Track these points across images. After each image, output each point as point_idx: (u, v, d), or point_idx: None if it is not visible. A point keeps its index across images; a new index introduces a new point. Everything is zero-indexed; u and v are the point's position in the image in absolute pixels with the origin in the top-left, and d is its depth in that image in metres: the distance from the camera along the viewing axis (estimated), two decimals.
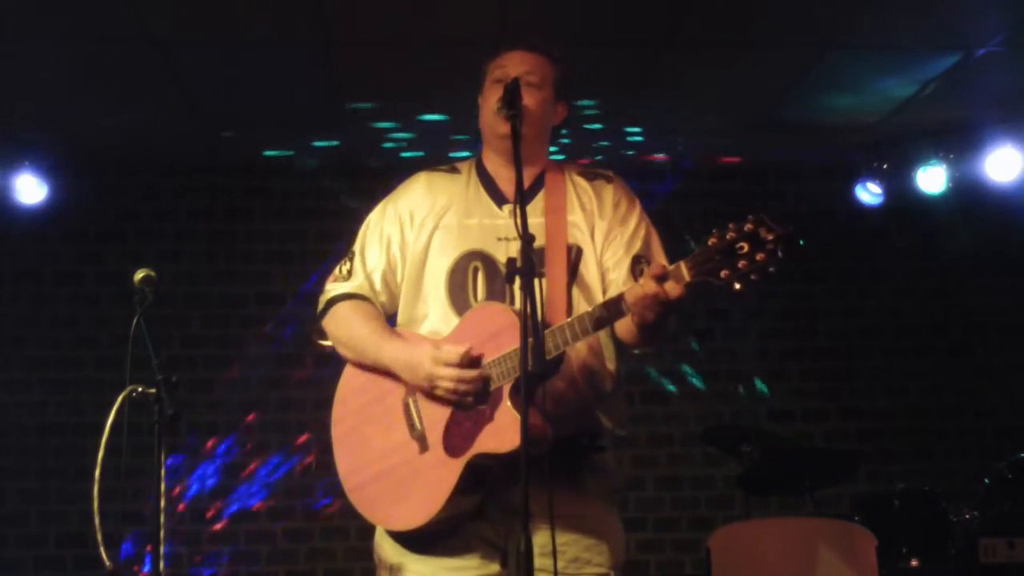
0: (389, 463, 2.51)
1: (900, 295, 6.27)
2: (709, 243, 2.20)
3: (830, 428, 6.08)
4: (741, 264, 2.15)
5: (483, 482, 2.41)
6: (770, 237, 2.13)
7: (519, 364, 2.18)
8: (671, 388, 6.01)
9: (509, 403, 2.33)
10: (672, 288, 2.22)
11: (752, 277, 2.15)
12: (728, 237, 2.17)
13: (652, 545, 5.87)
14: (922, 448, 6.08)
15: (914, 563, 4.34)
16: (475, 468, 2.38)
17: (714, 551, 4.12)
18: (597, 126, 5.51)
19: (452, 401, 2.43)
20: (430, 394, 2.47)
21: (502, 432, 2.31)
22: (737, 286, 2.17)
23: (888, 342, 6.21)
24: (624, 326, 2.44)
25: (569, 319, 2.37)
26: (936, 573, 4.36)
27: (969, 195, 5.75)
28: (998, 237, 6.11)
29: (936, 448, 6.09)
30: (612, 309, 2.33)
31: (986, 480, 4.54)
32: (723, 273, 2.17)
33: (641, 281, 2.27)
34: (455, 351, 2.40)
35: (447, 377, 2.40)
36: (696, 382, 6.02)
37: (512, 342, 2.32)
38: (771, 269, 2.14)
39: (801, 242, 2.17)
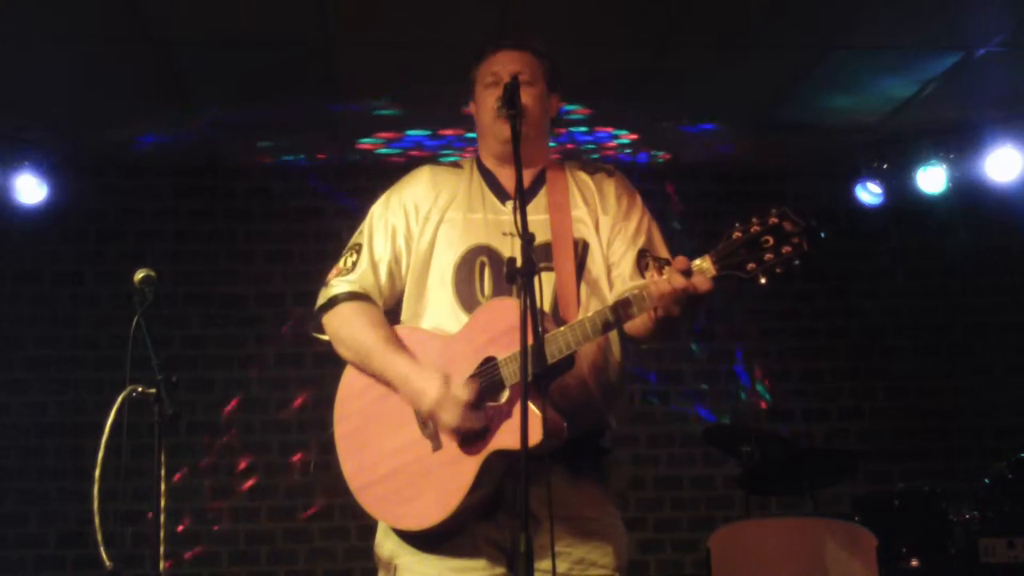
0: (399, 461, 2.46)
1: (900, 295, 6.27)
2: (733, 237, 2.20)
3: (830, 428, 6.08)
4: (767, 257, 2.16)
5: (498, 480, 2.39)
6: (794, 230, 2.15)
7: (534, 361, 2.14)
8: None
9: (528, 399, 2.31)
10: (701, 282, 2.20)
11: (777, 270, 2.17)
12: (752, 231, 2.18)
13: (652, 545, 5.86)
14: (922, 448, 6.08)
15: (914, 563, 4.35)
16: (492, 465, 2.35)
17: (714, 551, 4.12)
18: (597, 126, 5.51)
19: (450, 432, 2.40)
20: None
21: (520, 429, 2.24)
22: (763, 280, 2.18)
23: (888, 342, 6.21)
24: (638, 321, 2.39)
25: (580, 319, 2.33)
26: (936, 573, 4.36)
27: (969, 195, 5.74)
28: (998, 237, 6.11)
29: (936, 448, 6.09)
30: (621, 312, 2.30)
31: (986, 480, 4.54)
32: (749, 267, 2.18)
33: (666, 276, 2.23)
34: (464, 395, 2.35)
35: (451, 418, 2.36)
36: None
37: None
38: (796, 262, 2.15)
39: (822, 234, 2.16)
